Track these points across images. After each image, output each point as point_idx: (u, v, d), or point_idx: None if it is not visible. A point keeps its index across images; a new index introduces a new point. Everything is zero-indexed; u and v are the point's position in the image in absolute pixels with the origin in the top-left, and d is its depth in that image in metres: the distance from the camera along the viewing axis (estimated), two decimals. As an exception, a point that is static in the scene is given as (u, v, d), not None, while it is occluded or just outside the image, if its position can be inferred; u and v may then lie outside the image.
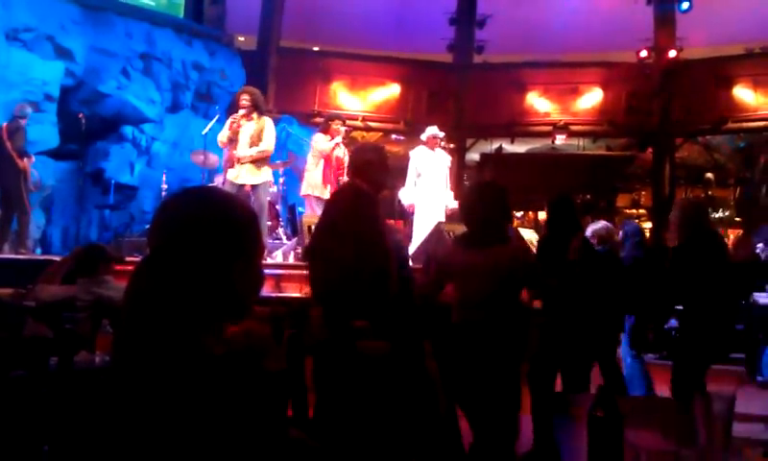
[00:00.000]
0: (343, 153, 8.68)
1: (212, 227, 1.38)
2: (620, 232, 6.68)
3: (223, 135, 7.83)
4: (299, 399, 2.41)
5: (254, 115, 7.83)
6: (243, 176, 7.83)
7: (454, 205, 9.33)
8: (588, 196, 16.73)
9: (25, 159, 8.58)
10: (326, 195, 8.46)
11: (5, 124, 8.56)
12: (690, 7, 14.41)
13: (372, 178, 3.79)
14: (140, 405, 1.24)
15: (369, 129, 16.66)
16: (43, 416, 1.34)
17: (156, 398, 1.24)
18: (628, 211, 18.68)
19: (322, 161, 8.51)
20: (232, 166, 7.81)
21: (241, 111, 7.83)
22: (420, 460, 2.45)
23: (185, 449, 1.22)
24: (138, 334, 1.32)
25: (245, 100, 7.88)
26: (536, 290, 3.60)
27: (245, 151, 7.79)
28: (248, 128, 7.81)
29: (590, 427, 1.59)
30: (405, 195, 9.10)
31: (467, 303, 3.22)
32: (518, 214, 18.65)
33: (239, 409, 1.29)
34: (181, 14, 13.19)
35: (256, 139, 7.85)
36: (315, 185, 8.49)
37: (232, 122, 7.83)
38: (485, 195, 3.49)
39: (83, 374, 2.41)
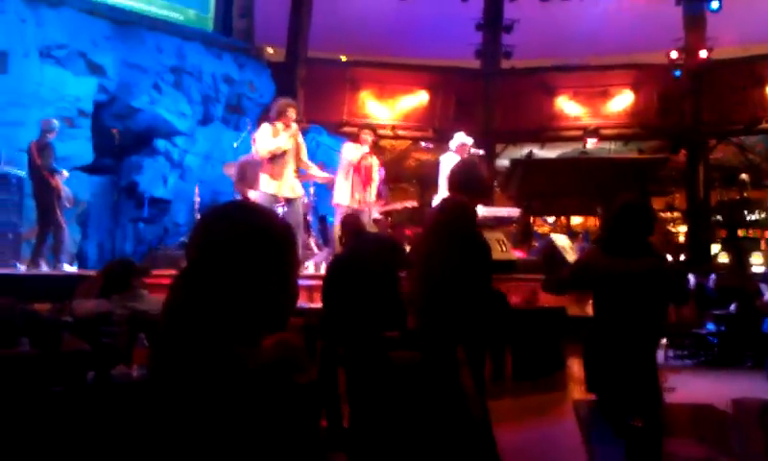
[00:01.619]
0: (371, 162, 8.69)
1: (249, 241, 1.39)
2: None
3: (276, 146, 7.63)
4: (332, 410, 2.41)
5: (295, 127, 7.79)
6: (283, 189, 7.77)
7: (484, 211, 9.30)
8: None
9: (57, 176, 8.60)
10: (355, 205, 8.47)
11: (33, 141, 8.60)
12: (720, 6, 14.20)
13: (471, 190, 3.86)
14: (176, 418, 1.25)
15: (398, 137, 16.70)
16: (82, 430, 1.36)
17: (192, 411, 1.25)
18: (662, 215, 18.42)
19: (351, 170, 8.52)
20: (274, 178, 7.71)
21: (294, 125, 7.75)
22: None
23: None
24: (175, 347, 1.33)
25: (294, 113, 7.81)
26: (679, 303, 3.68)
27: (292, 166, 7.74)
28: (292, 140, 7.79)
29: (629, 438, 1.57)
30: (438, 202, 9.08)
31: (613, 310, 3.37)
32: (550, 220, 18.50)
33: (271, 423, 1.30)
34: (211, 28, 13.35)
35: (298, 152, 7.85)
36: (343, 195, 8.50)
37: (291, 135, 7.69)
38: (634, 209, 3.60)
39: (120, 387, 2.44)
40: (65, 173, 8.86)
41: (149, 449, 1.25)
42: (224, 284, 1.35)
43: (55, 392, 2.40)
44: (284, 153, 7.65)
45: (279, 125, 7.66)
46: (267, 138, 7.66)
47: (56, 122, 8.92)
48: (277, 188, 7.66)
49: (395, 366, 2.38)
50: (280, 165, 7.65)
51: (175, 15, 12.75)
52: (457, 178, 3.94)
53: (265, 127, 7.81)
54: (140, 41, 11.61)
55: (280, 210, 7.97)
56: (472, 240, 3.69)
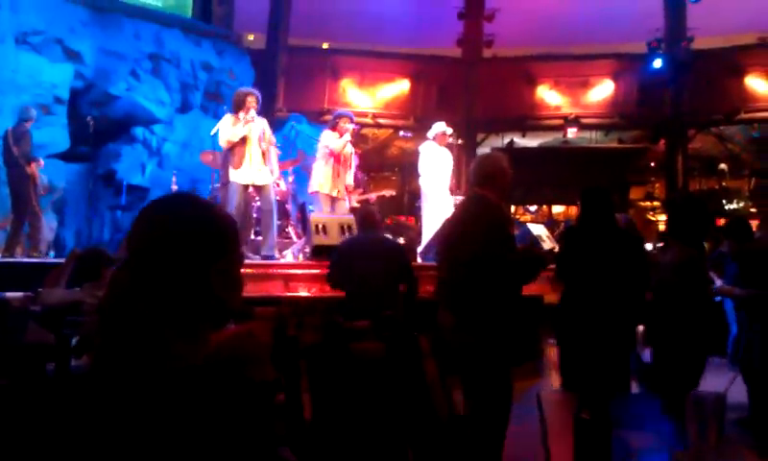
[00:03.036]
0: (350, 150, 8.68)
1: (188, 233, 1.38)
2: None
3: (234, 135, 7.69)
4: (293, 404, 2.41)
5: (253, 114, 7.79)
6: (253, 176, 7.79)
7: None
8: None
9: (33, 164, 8.53)
10: (335, 192, 8.46)
11: (10, 128, 8.53)
12: (701, -3, 14.25)
13: (494, 186, 3.84)
14: (115, 416, 1.24)
15: (378, 125, 16.68)
16: (30, 423, 1.35)
17: (128, 407, 1.24)
18: (642, 204, 18.56)
19: (331, 159, 8.50)
20: (236, 167, 7.74)
21: (252, 112, 7.76)
22: (419, 462, 2.44)
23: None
24: (111, 342, 1.31)
25: (254, 102, 7.84)
26: None
27: (258, 153, 7.77)
28: (255, 128, 7.79)
29: (576, 430, 1.57)
30: (427, 183, 9.08)
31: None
32: (532, 208, 18.58)
33: (217, 421, 1.28)
34: (189, 14, 13.24)
35: (267, 143, 7.86)
36: (324, 183, 8.48)
37: (246, 121, 7.72)
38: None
39: (78, 379, 2.40)
40: (41, 161, 8.78)
41: (84, 445, 1.23)
42: (163, 275, 1.33)
43: (12, 383, 2.38)
44: (244, 141, 7.67)
45: (241, 114, 7.70)
46: (226, 129, 7.72)
47: (33, 110, 8.85)
48: (240, 176, 7.70)
49: (355, 358, 2.38)
50: (240, 153, 7.69)
51: (153, 1, 12.62)
52: (479, 172, 3.92)
53: (226, 117, 7.86)
54: (118, 28, 11.48)
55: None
56: (494, 236, 3.68)
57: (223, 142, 7.74)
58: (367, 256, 5.64)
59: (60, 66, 10.59)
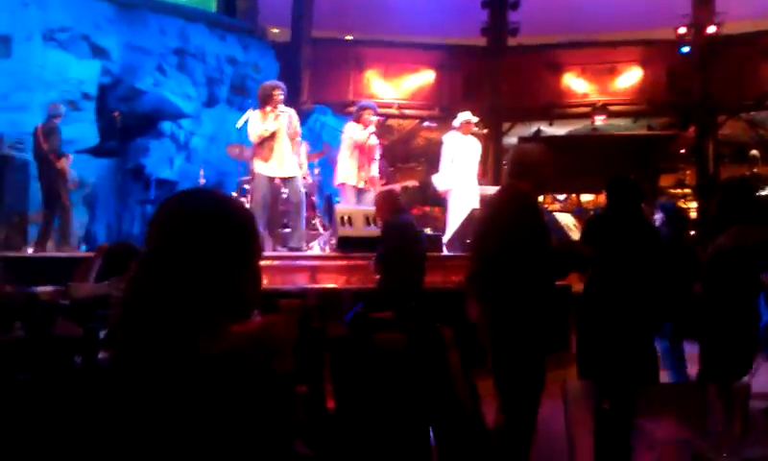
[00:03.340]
0: (375, 142, 8.69)
1: (209, 227, 1.39)
2: (658, 212, 6.49)
3: (263, 130, 7.76)
4: (316, 395, 2.43)
5: (282, 107, 7.87)
6: (281, 169, 7.86)
7: (490, 190, 9.29)
8: (632, 177, 16.42)
9: (63, 159, 8.69)
10: (361, 184, 8.49)
11: (40, 125, 8.69)
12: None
13: (532, 178, 3.81)
14: (135, 408, 1.26)
15: (404, 116, 16.65)
16: (58, 415, 1.38)
17: (150, 401, 1.26)
18: (672, 191, 18.31)
19: (356, 151, 8.52)
20: (265, 160, 7.82)
21: (281, 107, 7.84)
22: (443, 456, 2.44)
23: (180, 454, 1.23)
24: (134, 336, 1.33)
25: (280, 95, 7.91)
26: None
27: (287, 146, 7.85)
28: (284, 120, 7.85)
29: (597, 420, 1.56)
30: (440, 181, 9.09)
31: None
32: (561, 197, 18.43)
33: (237, 411, 1.30)
34: (214, 9, 13.31)
35: (293, 132, 7.93)
36: (349, 175, 8.50)
37: (276, 115, 7.79)
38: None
39: (106, 371, 2.44)
40: (71, 157, 8.93)
41: (109, 438, 1.25)
42: (183, 271, 1.35)
43: (21, 379, 2.43)
44: (273, 135, 7.74)
45: (267, 108, 7.77)
46: (255, 123, 7.82)
47: (62, 107, 9.01)
48: (270, 170, 7.78)
49: (378, 348, 2.39)
50: (270, 147, 7.78)
51: (178, -3, 12.72)
52: (513, 163, 3.90)
53: (254, 113, 7.95)
54: (143, 24, 11.60)
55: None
56: (526, 228, 3.66)
57: (253, 137, 7.85)
58: (416, 239, 5.73)
59: (86, 63, 10.72)
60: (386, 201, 5.95)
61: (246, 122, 9.18)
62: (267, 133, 7.72)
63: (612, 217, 4.60)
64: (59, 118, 8.77)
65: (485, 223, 3.91)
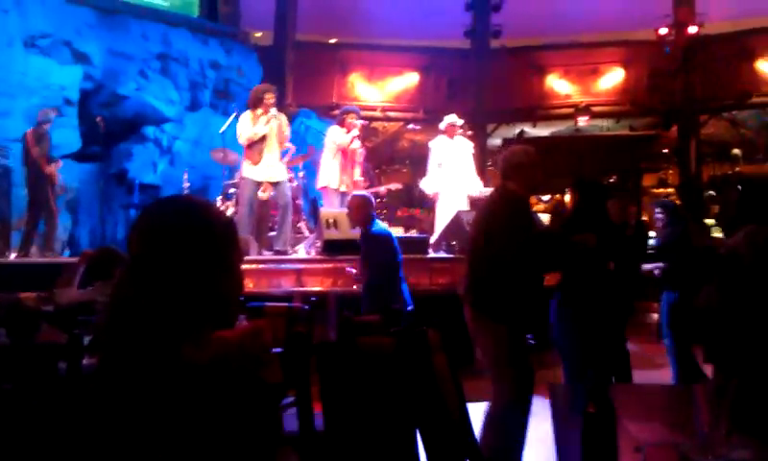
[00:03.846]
0: (357, 145, 8.71)
1: (189, 234, 1.39)
2: (657, 210, 6.53)
3: (253, 133, 7.78)
4: (303, 400, 2.42)
5: (274, 111, 7.89)
6: (269, 173, 7.88)
7: (483, 191, 9.33)
8: (614, 177, 16.55)
9: (52, 165, 8.71)
10: (343, 187, 8.49)
11: (30, 130, 8.68)
12: (709, -19, 14.10)
13: (522, 179, 3.83)
14: (120, 416, 1.25)
15: (388, 119, 16.67)
16: (43, 423, 1.37)
17: (136, 409, 1.25)
18: (655, 191, 18.43)
19: (339, 154, 8.53)
20: (254, 163, 7.83)
21: (272, 111, 7.86)
22: (431, 459, 2.44)
23: None
24: (119, 344, 1.33)
25: (272, 99, 7.93)
26: None
27: (275, 150, 7.87)
28: (273, 124, 7.88)
29: (584, 424, 1.57)
30: (427, 184, 9.13)
31: None
32: (545, 198, 18.51)
33: (225, 421, 1.29)
34: (196, 13, 13.27)
35: (282, 136, 7.96)
36: (332, 178, 8.51)
37: (268, 119, 7.80)
38: None
39: (89, 378, 2.42)
40: (60, 162, 8.93)
41: (95, 444, 1.25)
42: (166, 277, 1.35)
43: (21, 385, 2.41)
44: (263, 138, 7.77)
45: (259, 111, 7.79)
46: (246, 126, 7.84)
47: (52, 112, 9.05)
48: (258, 173, 7.80)
49: (364, 352, 2.40)
50: (258, 150, 7.82)
51: (160, 2, 12.66)
52: (504, 165, 3.92)
53: (245, 115, 7.99)
54: (125, 29, 11.54)
55: (264, 195, 8.03)
56: (519, 230, 3.68)
57: (242, 140, 7.88)
58: (395, 250, 5.70)
59: (68, 68, 10.65)
60: (359, 207, 5.85)
61: (230, 126, 9.20)
62: (256, 137, 7.75)
63: (582, 218, 4.64)
64: (48, 124, 8.81)
65: (478, 227, 3.92)
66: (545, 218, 8.87)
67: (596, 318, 4.28)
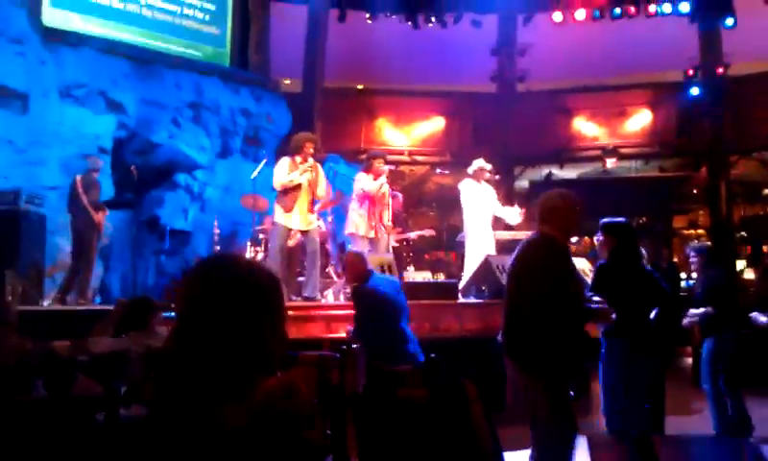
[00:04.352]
0: (388, 189, 8.73)
1: (239, 295, 1.41)
2: (691, 254, 6.42)
3: (288, 180, 7.84)
4: (340, 454, 2.40)
5: (311, 162, 7.96)
6: (300, 222, 7.93)
7: (505, 235, 9.30)
8: (644, 219, 16.41)
9: (100, 212, 8.84)
10: (371, 233, 8.50)
11: (79, 177, 8.80)
12: (735, 23, 14.08)
13: (559, 224, 3.80)
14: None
15: (415, 163, 16.76)
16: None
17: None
18: (686, 233, 18.21)
19: (366, 201, 8.56)
20: (286, 210, 7.88)
21: (310, 160, 7.93)
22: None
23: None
24: (166, 401, 1.34)
25: (312, 148, 8.00)
26: None
27: (308, 199, 7.91)
28: (309, 175, 7.94)
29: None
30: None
31: None
32: (573, 240, 18.38)
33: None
34: (227, 63, 13.53)
35: (315, 185, 8.00)
36: (359, 225, 8.53)
37: (304, 170, 7.86)
38: None
39: (128, 428, 2.44)
40: (107, 210, 9.07)
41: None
42: (212, 339, 1.36)
43: (62, 435, 2.42)
44: (298, 186, 7.82)
45: (298, 159, 7.87)
46: (282, 172, 7.91)
47: (100, 161, 9.24)
48: (289, 220, 7.86)
49: (401, 404, 2.38)
50: (292, 198, 7.87)
51: (192, 52, 12.95)
52: (540, 209, 3.90)
53: (283, 160, 8.04)
54: (159, 79, 11.80)
55: (292, 241, 8.07)
56: (556, 275, 3.65)
57: (277, 185, 7.93)
58: (386, 301, 5.57)
59: (103, 117, 10.90)
60: (350, 265, 5.77)
61: (260, 172, 9.31)
62: (291, 185, 7.82)
63: (619, 262, 4.60)
64: (97, 172, 8.97)
65: (513, 272, 3.87)
66: (582, 262, 8.76)
67: (643, 365, 4.25)
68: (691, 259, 6.26)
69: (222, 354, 1.35)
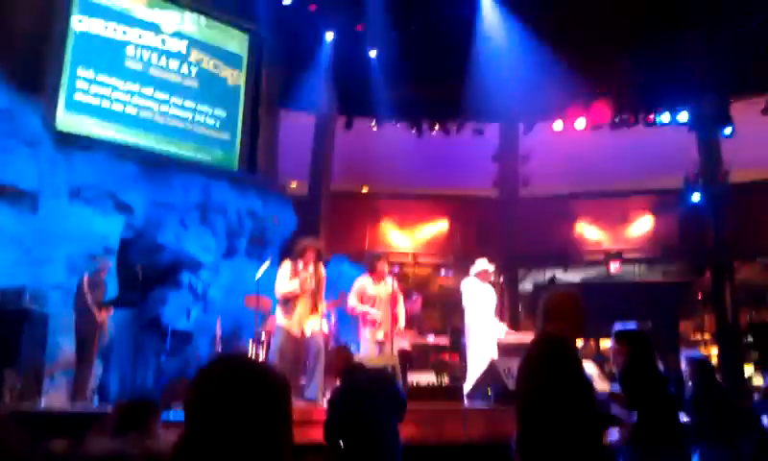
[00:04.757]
0: (393, 287, 8.71)
1: (254, 394, 1.40)
2: (686, 364, 6.31)
3: (291, 288, 7.87)
4: None
5: (311, 269, 8.01)
6: (302, 325, 7.90)
7: (514, 336, 9.24)
8: (649, 324, 16.28)
9: (104, 311, 8.85)
10: (381, 337, 8.45)
11: (86, 276, 8.88)
12: (733, 132, 14.42)
13: (566, 323, 3.68)
14: None
15: (419, 264, 16.82)
16: None
17: None
18: (692, 338, 18.03)
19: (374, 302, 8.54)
20: (286, 315, 7.87)
21: (310, 268, 7.97)
22: None
23: None
24: None
25: (313, 255, 8.05)
26: None
27: (310, 303, 7.90)
28: (311, 282, 7.97)
29: None
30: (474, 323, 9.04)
31: None
32: (579, 344, 18.19)
33: None
34: (236, 166, 13.78)
35: (318, 291, 8.02)
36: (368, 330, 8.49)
37: (303, 279, 7.89)
38: None
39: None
40: (111, 310, 9.08)
41: None
42: (225, 440, 1.34)
43: None
44: (301, 293, 7.83)
45: (300, 264, 7.89)
46: (284, 279, 7.93)
47: (109, 262, 9.34)
48: (289, 325, 7.83)
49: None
50: (293, 304, 7.84)
51: (203, 156, 13.22)
52: (543, 309, 3.79)
53: (285, 266, 8.07)
54: (168, 181, 11.98)
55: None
56: (568, 378, 3.52)
57: (278, 294, 7.94)
58: (366, 397, 5.25)
59: (111, 218, 11.01)
60: (336, 360, 5.55)
61: (264, 273, 9.33)
62: (291, 295, 7.83)
63: (637, 371, 4.57)
64: (105, 272, 9.04)
65: (522, 378, 3.72)
66: (589, 366, 8.62)
67: None
68: (683, 368, 6.16)
69: (234, 452, 1.33)
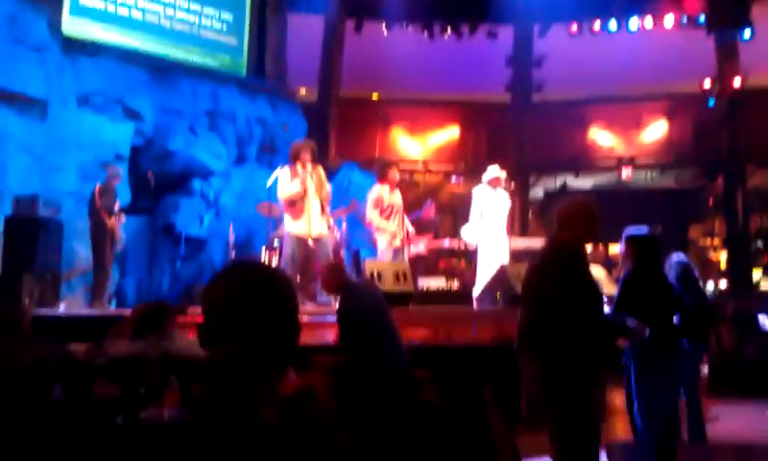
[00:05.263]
0: (398, 196, 8.75)
1: (264, 296, 1.51)
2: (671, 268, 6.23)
3: (292, 190, 7.89)
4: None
5: (310, 168, 8.00)
6: (310, 228, 7.95)
7: (518, 243, 9.28)
8: (660, 229, 16.32)
9: (113, 217, 8.96)
10: (398, 243, 8.53)
11: (99, 184, 9.00)
12: (753, 35, 14.03)
13: (577, 231, 3.80)
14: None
15: (430, 172, 16.77)
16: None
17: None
18: (701, 243, 18.09)
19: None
20: (295, 218, 7.92)
21: (308, 167, 7.98)
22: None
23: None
24: (201, 403, 1.39)
25: (309, 155, 8.05)
26: None
27: (316, 205, 7.94)
28: (312, 181, 7.98)
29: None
30: (468, 234, 9.07)
31: None
32: (588, 249, 18.28)
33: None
34: (244, 72, 13.60)
35: (321, 188, 8.03)
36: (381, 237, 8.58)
37: (303, 178, 7.91)
38: None
39: (149, 430, 2.46)
40: (123, 217, 9.18)
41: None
42: (239, 336, 1.41)
43: (81, 438, 2.44)
44: (303, 194, 7.85)
45: (298, 167, 7.89)
46: (284, 183, 7.99)
47: (121, 170, 9.39)
48: (298, 229, 7.87)
49: (419, 409, 2.37)
50: (300, 207, 7.86)
51: (210, 61, 13.04)
52: (557, 216, 3.90)
53: (284, 171, 8.10)
54: (176, 87, 11.89)
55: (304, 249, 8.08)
56: (576, 281, 3.64)
57: (281, 199, 8.00)
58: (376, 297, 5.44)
59: (120, 125, 10.98)
60: (329, 275, 5.59)
61: (275, 179, 9.34)
62: (291, 197, 7.85)
63: (643, 276, 4.62)
64: (117, 180, 9.14)
65: (532, 278, 3.86)
66: (597, 270, 8.69)
67: (676, 369, 4.28)
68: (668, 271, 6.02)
69: (250, 354, 1.41)
